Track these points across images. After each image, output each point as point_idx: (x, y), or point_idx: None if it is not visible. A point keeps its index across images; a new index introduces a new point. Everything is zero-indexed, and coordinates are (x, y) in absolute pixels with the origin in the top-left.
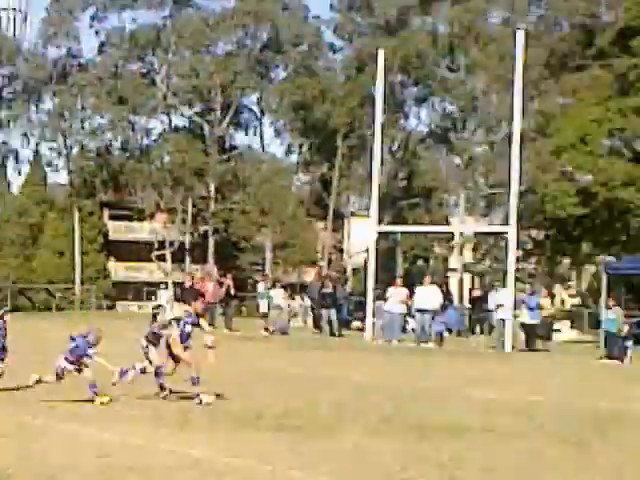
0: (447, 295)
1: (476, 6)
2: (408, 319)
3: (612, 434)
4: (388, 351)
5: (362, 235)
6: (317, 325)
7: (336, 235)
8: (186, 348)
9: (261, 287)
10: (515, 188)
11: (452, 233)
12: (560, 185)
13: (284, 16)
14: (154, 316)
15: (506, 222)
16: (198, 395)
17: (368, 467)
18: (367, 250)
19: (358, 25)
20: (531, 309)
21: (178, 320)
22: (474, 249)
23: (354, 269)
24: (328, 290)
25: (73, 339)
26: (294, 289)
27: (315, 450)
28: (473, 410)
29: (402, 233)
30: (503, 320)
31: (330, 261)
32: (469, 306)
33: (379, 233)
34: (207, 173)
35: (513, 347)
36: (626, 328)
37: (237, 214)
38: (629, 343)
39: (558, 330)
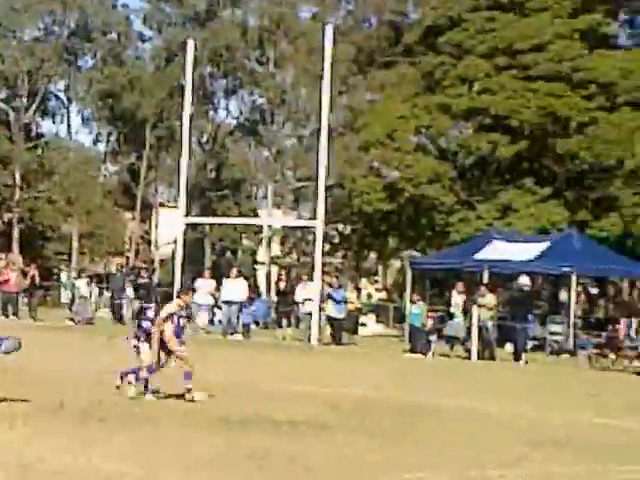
0: (255, 287)
1: (286, 0)
2: (215, 311)
3: (415, 427)
4: (194, 342)
5: (170, 226)
6: (116, 316)
7: (144, 226)
8: (181, 343)
9: (64, 277)
10: (323, 182)
11: (260, 226)
12: (368, 180)
13: (93, 3)
14: (143, 311)
15: (314, 216)
16: (190, 391)
17: (179, 457)
18: (175, 241)
19: (168, 15)
20: (338, 303)
21: (172, 315)
22: (282, 242)
23: (162, 260)
24: (144, 280)
25: None
26: (100, 279)
27: (124, 441)
28: (280, 402)
29: (210, 225)
30: (310, 313)
31: (137, 252)
32: (276, 299)
33: (187, 224)
34: (12, 161)
35: (319, 340)
36: (430, 323)
37: (43, 203)
38: (433, 337)
39: (364, 324)
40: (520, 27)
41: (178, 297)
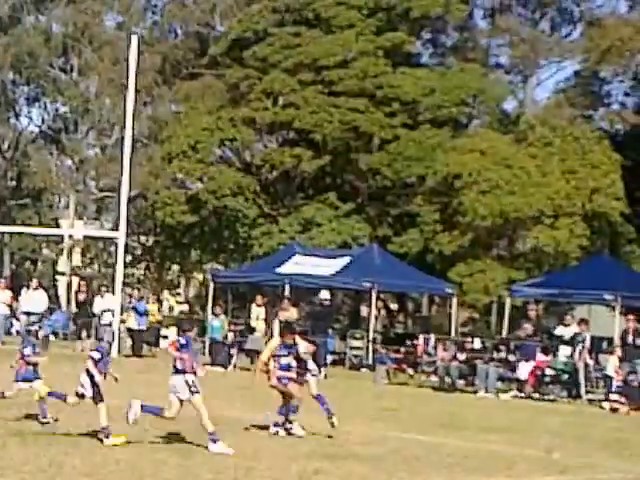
0: (55, 298)
1: (91, 8)
2: (14, 322)
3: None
4: None
5: None
6: None
7: None
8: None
9: None
10: (126, 193)
11: (61, 236)
12: (171, 192)
13: None
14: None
15: (116, 227)
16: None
17: None
18: None
19: None
20: (139, 314)
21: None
22: (83, 253)
23: None
24: None
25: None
26: None
27: None
28: (73, 415)
29: (10, 234)
30: (110, 324)
31: None
32: (76, 310)
33: None
34: None
35: (119, 352)
36: (231, 336)
37: None
38: (234, 351)
39: (165, 336)
40: (325, 43)
41: (280, 335)
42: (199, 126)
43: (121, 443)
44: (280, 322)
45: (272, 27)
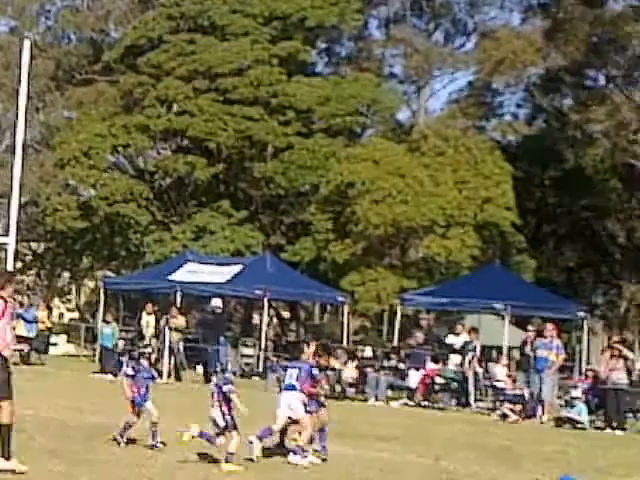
0: None
1: None
2: None
3: (96, 447)
4: None
5: None
6: None
7: None
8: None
9: None
10: (16, 199)
11: None
12: (62, 198)
13: None
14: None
15: (6, 233)
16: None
17: None
18: None
19: None
20: (28, 322)
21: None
22: None
23: None
24: None
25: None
26: None
27: None
28: None
29: None
30: None
31: None
32: None
33: None
34: None
35: None
36: (122, 343)
37: None
38: (124, 358)
39: (55, 344)
40: (220, 51)
41: (314, 356)
42: (92, 132)
43: (237, 471)
44: (170, 329)
45: (167, 34)
